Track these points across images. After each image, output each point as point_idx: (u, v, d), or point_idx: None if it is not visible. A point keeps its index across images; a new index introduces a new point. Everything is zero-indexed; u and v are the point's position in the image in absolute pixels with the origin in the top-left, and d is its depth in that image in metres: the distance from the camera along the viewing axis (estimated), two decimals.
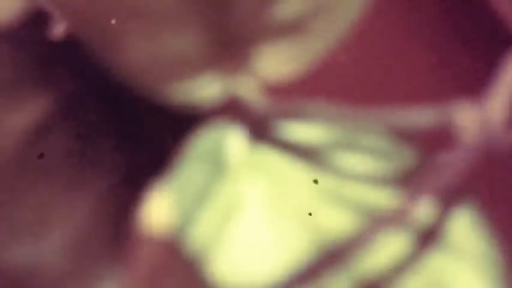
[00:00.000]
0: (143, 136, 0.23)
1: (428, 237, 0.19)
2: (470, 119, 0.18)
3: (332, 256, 0.19)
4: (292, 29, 0.19)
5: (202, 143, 0.19)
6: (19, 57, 0.22)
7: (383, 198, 0.19)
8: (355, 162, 0.20)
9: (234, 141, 0.19)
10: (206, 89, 0.19)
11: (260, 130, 0.20)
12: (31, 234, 0.21)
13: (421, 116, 0.18)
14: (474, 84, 0.25)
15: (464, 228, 0.19)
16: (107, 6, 0.16)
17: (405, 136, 0.19)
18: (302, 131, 0.20)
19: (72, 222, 0.21)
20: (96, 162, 0.22)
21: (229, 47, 0.19)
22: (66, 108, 0.22)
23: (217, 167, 0.19)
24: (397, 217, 0.19)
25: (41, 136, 0.22)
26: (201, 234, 0.18)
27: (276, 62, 0.20)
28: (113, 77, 0.21)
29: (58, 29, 0.21)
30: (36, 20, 0.22)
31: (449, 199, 0.19)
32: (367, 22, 0.25)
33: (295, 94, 0.24)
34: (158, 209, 0.18)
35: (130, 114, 0.23)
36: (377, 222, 0.19)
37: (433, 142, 0.23)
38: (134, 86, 0.18)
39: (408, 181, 0.19)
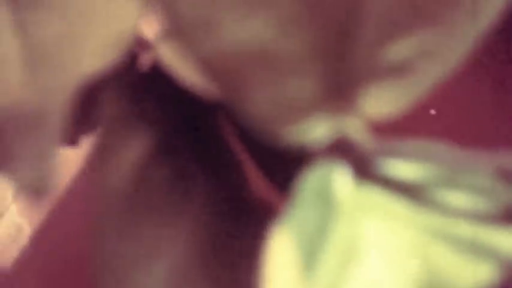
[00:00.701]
0: (236, 177, 0.23)
1: None
2: None
3: None
4: (399, 70, 0.20)
5: (311, 183, 0.20)
6: (120, 96, 0.23)
7: (495, 237, 0.19)
8: (459, 199, 0.20)
9: (341, 179, 0.20)
10: (317, 128, 0.20)
11: (365, 167, 0.21)
12: (140, 264, 0.22)
13: None
14: None
15: None
16: (240, 51, 0.17)
17: (507, 178, 0.20)
18: (405, 169, 0.21)
19: (175, 251, 0.22)
20: (190, 194, 0.23)
21: (341, 88, 0.20)
22: (161, 143, 0.23)
23: (329, 206, 0.19)
24: None
25: (144, 170, 0.23)
26: (323, 277, 0.18)
27: (381, 102, 0.20)
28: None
29: (146, 58, 0.22)
30: (129, 56, 0.23)
31: None
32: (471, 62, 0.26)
33: (397, 133, 0.25)
34: (281, 253, 0.19)
35: (222, 149, 0.23)
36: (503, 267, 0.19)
37: None
38: (255, 129, 0.19)
39: (508, 218, 0.20)
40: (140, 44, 0.24)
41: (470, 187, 0.20)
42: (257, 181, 0.24)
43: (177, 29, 0.16)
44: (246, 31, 0.17)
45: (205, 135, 0.24)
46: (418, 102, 0.23)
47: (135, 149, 0.22)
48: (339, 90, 0.20)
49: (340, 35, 0.18)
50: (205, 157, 0.23)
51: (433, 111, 0.25)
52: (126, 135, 0.22)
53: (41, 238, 0.40)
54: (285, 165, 0.23)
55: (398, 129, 0.24)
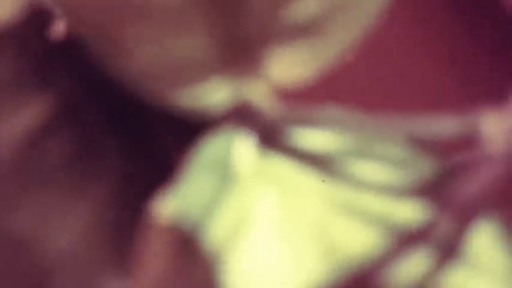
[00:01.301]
0: (146, 142, 0.22)
1: (449, 252, 0.18)
2: (495, 128, 0.17)
3: (350, 277, 0.17)
4: (306, 31, 0.18)
5: (209, 151, 0.18)
6: (19, 57, 0.21)
7: (400, 211, 0.18)
8: (370, 171, 0.18)
9: (242, 149, 0.19)
10: (215, 94, 0.18)
11: (270, 137, 0.19)
12: (30, 244, 0.20)
13: (441, 124, 0.17)
14: (499, 91, 0.24)
15: (486, 243, 0.18)
16: (114, 8, 0.15)
17: (424, 145, 0.18)
18: (314, 138, 0.19)
19: (72, 230, 0.21)
20: (96, 168, 0.21)
21: (240, 49, 0.18)
22: (66, 111, 0.21)
23: (226, 176, 0.18)
24: (418, 233, 0.18)
25: (40, 141, 0.21)
26: (208, 249, 0.17)
27: (288, 66, 0.19)
28: (116, 80, 0.20)
29: (58, 28, 0.21)
30: (36, 19, 0.22)
31: (471, 212, 0.18)
32: (383, 25, 0.24)
33: (308, 99, 0.23)
34: (165, 220, 0.17)
35: (132, 119, 0.22)
36: (398, 240, 0.17)
37: (454, 152, 0.22)
38: (141, 90, 0.17)
39: (427, 192, 0.18)
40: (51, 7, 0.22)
41: (384, 157, 0.19)
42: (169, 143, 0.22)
43: None
44: None
45: (115, 103, 0.22)
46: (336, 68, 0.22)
47: (29, 115, 0.20)
48: (238, 50, 0.18)
49: None
50: (117, 128, 0.22)
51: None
52: (18, 100, 0.20)
53: None
54: (188, 133, 0.21)
55: (309, 97, 0.23)
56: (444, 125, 0.17)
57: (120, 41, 0.16)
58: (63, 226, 0.20)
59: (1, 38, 0.21)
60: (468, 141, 0.19)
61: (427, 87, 0.23)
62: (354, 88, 0.22)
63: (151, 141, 0.22)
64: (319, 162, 0.19)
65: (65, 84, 0.21)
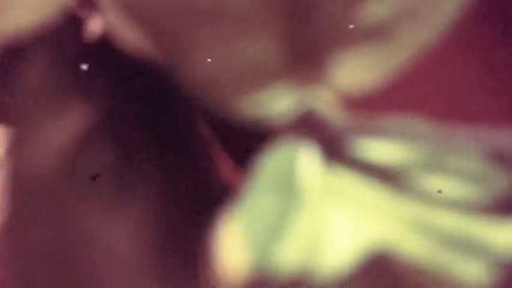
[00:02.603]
0: (190, 156, 0.21)
1: None
2: None
3: None
4: (373, 35, 0.17)
5: (272, 165, 0.17)
6: (57, 62, 0.20)
7: (479, 229, 0.17)
8: (443, 185, 0.17)
9: (307, 162, 0.17)
10: (279, 101, 0.17)
11: (337, 149, 0.18)
12: (76, 251, 0.19)
13: None
14: None
15: None
16: (186, 15, 0.14)
17: (501, 159, 0.17)
18: (383, 150, 0.18)
19: (118, 247, 0.20)
20: (135, 182, 0.20)
21: (306, 55, 0.17)
22: (107, 119, 0.20)
23: (291, 194, 0.17)
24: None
25: (83, 149, 0.20)
26: (284, 272, 0.16)
27: (355, 72, 0.18)
28: (180, 88, 0.19)
29: (93, 30, 0.20)
30: (72, 23, 0.21)
31: None
32: (454, 35, 0.23)
33: (376, 108, 0.22)
34: (229, 248, 0.16)
35: (176, 129, 0.21)
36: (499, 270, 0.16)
37: None
38: (205, 98, 0.16)
39: (504, 209, 0.17)
40: (86, 9, 0.21)
41: (459, 171, 0.17)
42: (223, 162, 0.21)
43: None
44: None
45: (163, 115, 0.21)
46: (398, 76, 0.21)
47: (70, 124, 0.19)
48: (304, 56, 0.17)
49: None
50: (160, 137, 0.21)
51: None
52: (59, 108, 0.19)
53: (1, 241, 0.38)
54: (250, 144, 0.20)
55: (374, 106, 0.22)
56: None
57: (189, 47, 0.15)
58: (109, 240, 0.20)
59: (40, 42, 0.20)
60: None
61: (495, 98, 0.22)
62: (420, 97, 0.21)
63: (195, 155, 0.21)
64: (388, 176, 0.18)
65: (104, 90, 0.20)
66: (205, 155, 0.21)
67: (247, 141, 0.19)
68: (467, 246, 0.16)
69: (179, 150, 0.21)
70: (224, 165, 0.21)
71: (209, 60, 0.15)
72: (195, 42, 0.15)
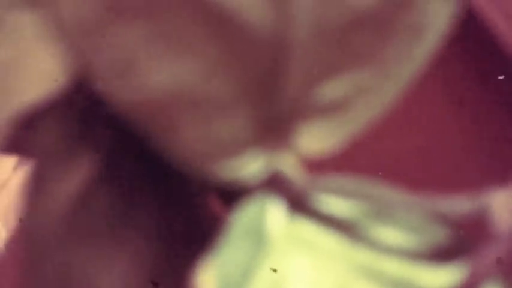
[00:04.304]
0: (182, 200, 0.24)
1: None
2: (504, 206, 0.19)
3: None
4: (330, 110, 0.20)
5: (245, 217, 0.20)
6: (66, 119, 0.23)
7: (417, 274, 0.20)
8: (389, 235, 0.20)
9: (274, 214, 0.21)
10: (250, 165, 0.20)
11: (299, 203, 0.21)
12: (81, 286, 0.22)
13: (456, 204, 0.19)
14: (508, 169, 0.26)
15: None
16: (168, 103, 0.17)
17: (440, 219, 0.20)
18: (338, 204, 0.21)
19: (114, 276, 0.22)
20: (135, 222, 0.23)
21: (273, 127, 0.20)
22: (109, 168, 0.23)
23: (260, 240, 0.20)
24: None
25: (87, 197, 0.23)
26: None
27: (315, 139, 0.21)
28: (163, 156, 0.22)
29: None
30: (79, 83, 0.24)
31: (480, 278, 0.20)
32: (406, 103, 0.26)
33: (331, 169, 0.25)
34: (204, 285, 0.19)
35: (172, 178, 0.24)
36: None
37: (469, 227, 0.24)
38: (186, 164, 0.19)
39: (441, 257, 0.20)
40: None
41: (401, 224, 0.21)
42: (213, 200, 0.24)
43: (96, 76, 0.16)
44: (168, 77, 0.17)
45: (154, 160, 0.24)
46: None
47: (77, 175, 0.22)
48: (270, 128, 0.20)
49: (266, 76, 0.19)
50: (155, 180, 0.24)
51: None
52: (67, 160, 0.22)
53: (18, 243, 0.40)
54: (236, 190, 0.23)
55: (340, 166, 0.25)
56: (457, 205, 0.19)
57: (170, 125, 0.18)
58: (107, 272, 0.22)
59: (51, 104, 0.23)
60: (482, 218, 0.21)
61: (443, 163, 0.25)
62: (374, 159, 0.24)
63: (187, 200, 0.24)
64: (342, 227, 0.21)
65: (106, 142, 0.23)
66: (197, 195, 0.24)
67: (224, 196, 0.22)
68: (403, 285, 0.20)
69: (173, 191, 0.24)
70: (213, 201, 0.24)
71: (187, 135, 0.18)
72: (177, 122, 0.18)
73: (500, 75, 0.27)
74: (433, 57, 0.20)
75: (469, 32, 0.28)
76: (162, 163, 0.24)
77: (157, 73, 0.17)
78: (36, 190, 0.22)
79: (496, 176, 0.25)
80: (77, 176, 0.23)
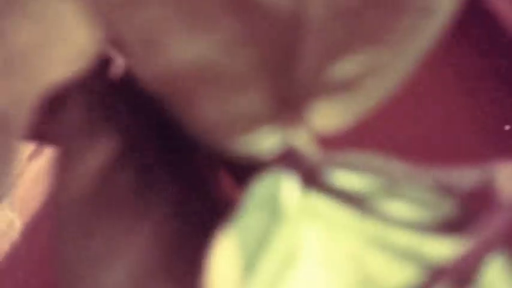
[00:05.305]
0: (197, 175, 0.25)
1: (465, 284, 0.21)
2: (509, 178, 0.19)
3: None
4: (346, 86, 0.21)
5: (260, 191, 0.21)
6: (87, 101, 0.24)
7: (426, 245, 0.21)
8: (399, 209, 0.21)
9: (289, 188, 0.21)
10: (265, 141, 0.21)
11: (312, 178, 0.22)
12: (101, 263, 0.23)
13: (461, 176, 0.20)
14: None
15: (497, 275, 0.21)
16: (190, 77, 0.18)
17: (446, 191, 0.21)
18: (350, 179, 0.22)
19: (135, 250, 0.23)
20: (153, 198, 0.24)
21: (288, 103, 0.21)
22: (129, 148, 0.24)
23: (275, 213, 0.21)
24: (442, 267, 0.21)
25: (109, 176, 0.24)
26: (261, 280, 0.20)
27: (328, 116, 0.22)
28: (187, 131, 0.23)
29: (117, 69, 0.24)
30: (100, 64, 0.24)
31: (485, 249, 0.21)
32: (416, 81, 0.27)
33: (344, 145, 0.26)
34: (223, 256, 0.20)
35: (190, 155, 0.25)
36: (426, 272, 0.20)
37: (473, 200, 0.25)
38: (205, 138, 0.20)
39: (448, 230, 0.21)
40: (113, 50, 0.25)
41: (410, 198, 0.21)
42: (225, 181, 0.25)
43: (123, 49, 0.17)
44: (190, 52, 0.18)
45: (173, 141, 0.25)
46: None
47: (100, 154, 0.23)
48: (286, 104, 0.21)
49: (283, 53, 0.20)
50: (173, 161, 0.25)
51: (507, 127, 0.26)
52: (91, 141, 0.23)
53: (33, 233, 0.41)
54: (249, 168, 0.24)
55: (353, 143, 0.26)
56: (464, 177, 0.20)
57: (192, 100, 0.19)
58: (128, 245, 0.23)
59: (73, 86, 0.24)
60: (486, 191, 0.21)
61: (451, 138, 0.26)
62: (386, 137, 0.25)
63: (203, 178, 0.25)
64: (354, 201, 0.22)
65: (126, 122, 0.24)
66: (211, 175, 0.25)
67: (244, 166, 0.23)
68: (412, 255, 0.20)
69: (189, 171, 0.25)
70: (227, 183, 0.25)
71: (206, 110, 0.19)
72: (198, 97, 0.19)
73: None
74: (444, 46, 0.21)
75: (481, 21, 0.29)
76: (182, 143, 0.25)
77: (180, 47, 0.18)
78: (62, 169, 0.23)
79: (502, 150, 0.26)
80: (100, 155, 0.24)
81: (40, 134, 0.27)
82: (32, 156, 0.45)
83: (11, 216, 0.43)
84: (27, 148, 0.45)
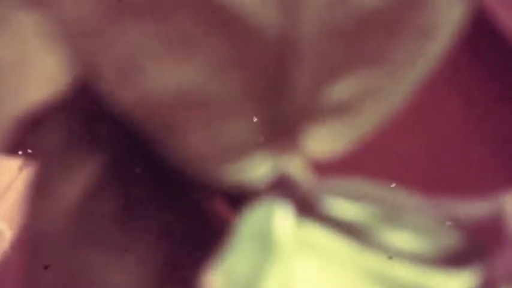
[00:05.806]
0: (184, 203, 0.23)
1: None
2: None
3: None
4: (341, 110, 0.20)
5: (252, 221, 0.20)
6: (70, 121, 0.23)
7: (431, 280, 0.19)
8: (400, 240, 0.20)
9: (282, 217, 0.20)
10: (257, 168, 0.20)
11: (307, 206, 0.20)
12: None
13: (470, 207, 0.19)
14: None
15: None
16: (174, 97, 0.17)
17: (455, 223, 0.20)
18: (347, 208, 0.20)
19: (118, 280, 0.22)
20: (138, 225, 0.23)
21: (280, 129, 0.19)
22: (112, 170, 0.23)
23: (267, 245, 0.19)
24: None
25: (91, 199, 0.22)
26: None
27: (322, 142, 0.20)
28: (170, 161, 0.21)
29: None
30: (83, 84, 0.23)
31: (494, 283, 0.19)
32: (421, 108, 0.25)
33: (340, 172, 0.24)
34: None
35: (177, 179, 0.23)
36: None
37: (482, 232, 0.23)
38: (192, 168, 0.19)
39: (453, 262, 0.20)
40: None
41: (414, 228, 0.20)
42: (217, 202, 0.24)
43: (99, 76, 0.16)
44: (173, 77, 0.17)
45: (160, 163, 0.24)
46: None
47: (79, 179, 0.22)
48: (278, 130, 0.19)
49: (274, 78, 0.18)
50: (159, 183, 0.23)
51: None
52: (70, 163, 0.22)
53: (23, 243, 0.40)
54: (240, 194, 0.23)
55: (349, 170, 0.24)
56: (471, 208, 0.18)
57: (175, 128, 0.18)
58: (115, 272, 0.22)
59: (55, 106, 0.23)
60: (495, 223, 0.20)
61: (456, 168, 0.25)
62: (384, 164, 0.24)
63: (193, 202, 0.23)
64: (351, 231, 0.20)
65: (111, 144, 0.23)
66: (204, 197, 0.24)
67: (231, 201, 0.22)
68: None
69: (179, 193, 0.23)
70: (220, 205, 0.23)
71: (193, 138, 0.18)
72: (184, 125, 0.18)
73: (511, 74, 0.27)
74: (444, 59, 0.20)
75: (480, 32, 0.27)
76: (167, 166, 0.23)
77: (162, 74, 0.17)
78: (40, 193, 0.22)
79: (510, 178, 0.25)
80: (81, 178, 0.22)
81: (23, 150, 0.25)
82: (22, 168, 0.44)
83: (1, 227, 0.42)
84: (17, 160, 0.44)
